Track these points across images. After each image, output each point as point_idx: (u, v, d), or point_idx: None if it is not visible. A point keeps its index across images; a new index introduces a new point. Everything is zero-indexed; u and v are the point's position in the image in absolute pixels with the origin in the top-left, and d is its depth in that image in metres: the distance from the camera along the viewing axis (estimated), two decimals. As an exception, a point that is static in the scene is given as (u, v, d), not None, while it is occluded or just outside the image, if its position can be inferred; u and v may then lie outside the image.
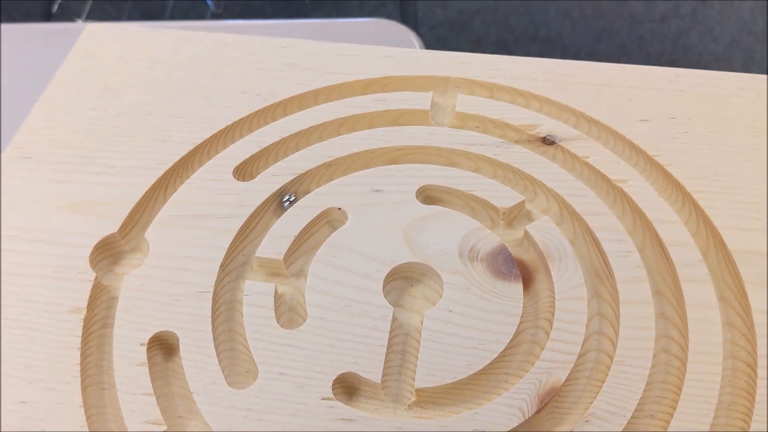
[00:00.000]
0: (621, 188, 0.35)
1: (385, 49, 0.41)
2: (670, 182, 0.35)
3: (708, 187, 0.34)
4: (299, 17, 1.18)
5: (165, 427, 0.28)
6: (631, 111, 0.38)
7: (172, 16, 1.19)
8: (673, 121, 0.37)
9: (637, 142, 0.36)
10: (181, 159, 0.36)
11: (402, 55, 0.41)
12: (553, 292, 0.31)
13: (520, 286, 0.31)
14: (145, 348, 0.30)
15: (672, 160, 0.35)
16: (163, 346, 0.30)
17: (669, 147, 0.36)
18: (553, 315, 0.31)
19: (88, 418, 0.28)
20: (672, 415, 0.28)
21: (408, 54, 0.41)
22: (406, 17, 1.04)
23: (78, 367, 0.29)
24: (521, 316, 0.31)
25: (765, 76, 0.39)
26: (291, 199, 0.33)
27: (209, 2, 1.18)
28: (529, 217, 0.35)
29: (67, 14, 1.16)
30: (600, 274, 0.32)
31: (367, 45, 0.42)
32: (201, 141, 0.37)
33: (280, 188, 0.34)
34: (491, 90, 0.40)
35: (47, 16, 1.15)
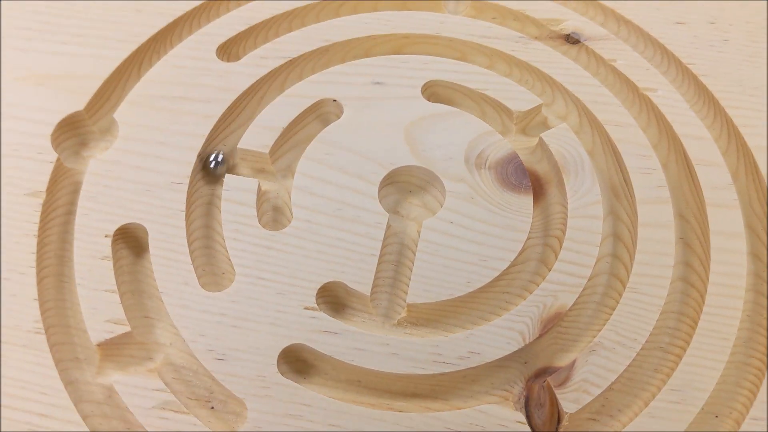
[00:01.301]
0: (648, 97, 0.31)
1: None
2: (704, 94, 0.31)
3: (744, 103, 0.31)
4: None
5: (128, 328, 0.25)
6: (667, 10, 0.34)
7: None
8: (713, 25, 0.33)
9: (671, 47, 0.32)
10: (158, 32, 0.32)
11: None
12: (566, 208, 0.28)
13: (530, 199, 0.28)
14: (110, 240, 0.27)
15: (707, 70, 0.32)
16: (131, 241, 0.27)
17: (705, 55, 0.32)
18: (564, 233, 0.28)
19: (43, 312, 0.26)
20: (685, 350, 0.26)
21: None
22: None
23: (34, 257, 0.26)
24: (529, 232, 0.28)
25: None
26: (219, 160, 0.29)
27: None
28: (545, 124, 0.31)
29: None
30: (618, 191, 0.29)
31: None
32: (182, 13, 0.33)
33: (201, 149, 0.29)
34: (512, -22, 0.35)
35: None
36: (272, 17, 0.33)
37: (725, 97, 0.31)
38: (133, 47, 0.31)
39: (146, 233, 0.27)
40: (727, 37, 0.33)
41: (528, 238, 0.28)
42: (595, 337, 0.26)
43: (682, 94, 0.31)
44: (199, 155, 0.29)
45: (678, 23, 0.33)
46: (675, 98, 0.31)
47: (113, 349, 0.25)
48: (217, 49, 0.32)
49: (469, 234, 0.27)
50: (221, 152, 0.28)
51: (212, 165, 0.28)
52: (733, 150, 0.30)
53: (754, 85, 0.31)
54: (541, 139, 0.30)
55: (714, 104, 0.31)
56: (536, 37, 0.33)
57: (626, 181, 0.29)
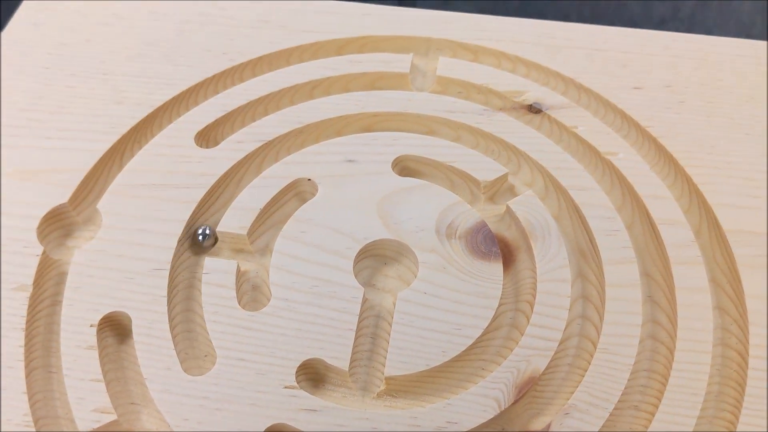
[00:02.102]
0: (610, 161, 0.32)
1: (364, 6, 0.39)
2: (663, 155, 0.33)
3: (703, 162, 0.32)
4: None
5: (115, 416, 0.26)
6: (624, 78, 0.35)
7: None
8: (669, 89, 0.35)
9: (630, 112, 0.34)
10: (138, 123, 0.33)
11: (382, 13, 0.38)
12: (535, 273, 0.29)
13: (500, 266, 0.29)
14: (95, 330, 0.28)
15: (665, 132, 0.33)
16: (116, 328, 0.28)
17: (663, 117, 0.34)
18: (535, 297, 0.29)
19: (32, 404, 0.26)
20: (657, 407, 0.26)
21: (388, 12, 0.38)
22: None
23: (23, 350, 0.27)
24: (500, 299, 0.29)
25: (764, 42, 0.37)
26: (207, 233, 0.30)
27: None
28: (512, 191, 0.32)
29: None
30: (585, 253, 0.30)
31: (346, 1, 0.39)
32: (161, 103, 0.34)
33: (189, 218, 0.30)
34: (476, 53, 0.37)
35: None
36: (248, 102, 0.35)
37: (684, 157, 0.32)
38: (115, 138, 0.33)
39: (130, 320, 0.28)
40: (683, 99, 0.34)
41: (500, 305, 0.29)
42: (568, 399, 0.26)
43: (643, 156, 0.33)
44: (180, 240, 0.30)
45: (635, 88, 0.35)
46: (636, 160, 0.32)
47: (100, 437, 0.26)
48: (196, 136, 0.33)
49: (443, 303, 0.28)
50: (208, 227, 0.29)
51: (200, 238, 0.29)
52: (695, 207, 0.31)
53: (710, 144, 0.33)
54: (508, 207, 0.31)
55: (674, 164, 0.32)
56: (500, 109, 0.35)
57: (593, 243, 0.30)
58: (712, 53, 0.36)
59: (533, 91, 0.35)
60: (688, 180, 0.32)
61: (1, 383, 0.27)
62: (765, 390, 0.26)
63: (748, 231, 0.30)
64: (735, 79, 0.35)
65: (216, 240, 0.30)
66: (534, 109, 0.35)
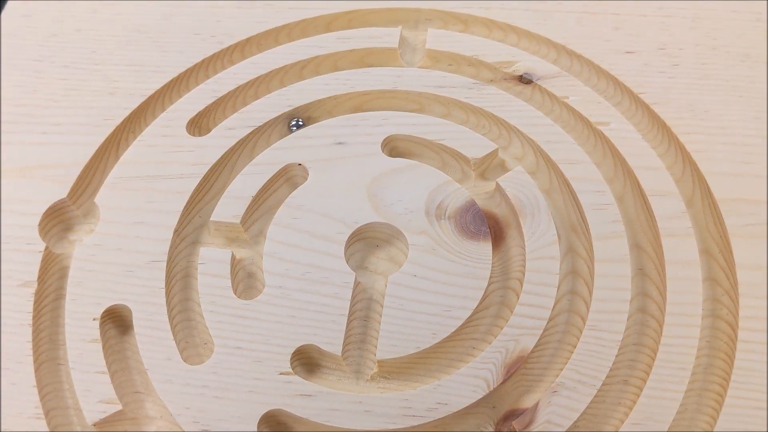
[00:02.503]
0: (602, 132, 0.32)
1: (351, -21, 0.38)
2: (656, 123, 0.32)
3: (696, 128, 0.32)
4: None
5: (120, 406, 0.27)
6: (616, 41, 0.35)
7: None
8: (662, 52, 0.34)
9: (622, 78, 0.34)
10: (131, 113, 0.34)
11: (369, -15, 0.38)
12: (525, 250, 0.30)
13: (489, 246, 0.30)
14: (98, 323, 0.29)
15: (658, 98, 0.33)
16: (117, 320, 0.29)
17: (656, 82, 0.33)
18: (524, 275, 0.29)
19: (42, 396, 0.28)
20: (645, 381, 0.27)
21: (376, -17, 0.38)
22: None
23: (30, 345, 0.28)
24: (490, 278, 0.29)
25: (763, 1, 0.36)
26: (300, 124, 0.31)
27: None
28: (503, 166, 0.32)
29: None
30: (576, 228, 0.30)
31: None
32: (152, 92, 0.34)
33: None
34: (465, 22, 0.36)
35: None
36: (237, 87, 0.35)
37: (677, 124, 0.32)
38: (109, 131, 0.33)
39: (130, 312, 0.29)
40: (677, 62, 0.34)
41: (489, 284, 0.29)
42: (557, 376, 0.27)
43: (635, 125, 0.32)
44: (176, 231, 0.30)
45: (628, 52, 0.34)
46: (628, 130, 0.32)
47: (108, 427, 0.27)
48: (187, 125, 0.33)
49: (433, 285, 0.29)
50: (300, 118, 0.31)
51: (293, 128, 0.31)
52: (688, 176, 0.31)
53: (704, 109, 0.32)
54: (498, 184, 0.31)
55: (667, 132, 0.32)
56: (491, 80, 0.34)
57: (583, 218, 0.30)
58: (707, 11, 0.35)
59: (524, 61, 0.35)
60: (681, 148, 0.32)
61: (2, 379, 0.28)
62: (754, 362, 0.27)
63: (741, 199, 0.30)
64: (730, 39, 0.34)
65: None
66: (525, 80, 0.34)
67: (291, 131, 0.30)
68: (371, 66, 0.36)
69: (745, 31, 0.35)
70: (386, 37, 0.36)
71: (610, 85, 0.34)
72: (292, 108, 0.34)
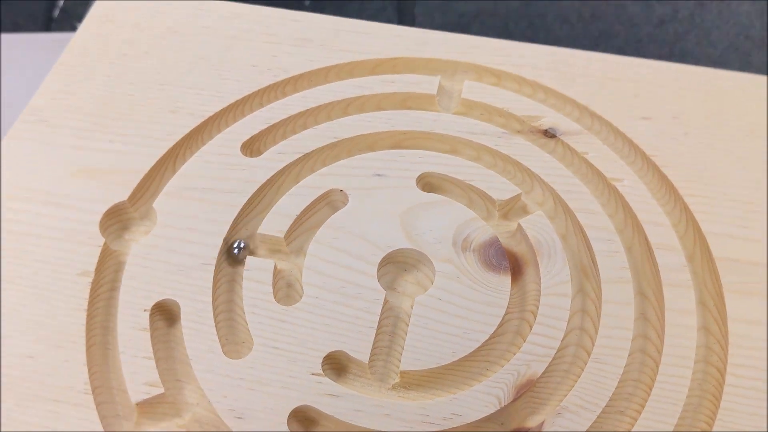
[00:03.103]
0: (615, 187, 0.36)
1: (397, 28, 0.42)
2: (665, 183, 0.36)
3: (701, 191, 0.35)
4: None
5: (162, 390, 0.30)
6: (634, 107, 0.38)
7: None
8: (675, 120, 0.38)
9: (637, 141, 0.37)
10: (190, 131, 0.37)
11: (413, 35, 0.42)
12: (540, 286, 0.33)
13: (508, 279, 0.33)
14: (148, 314, 0.31)
15: (669, 161, 0.36)
16: (166, 313, 0.32)
17: (668, 147, 0.37)
18: (538, 308, 0.32)
19: (90, 375, 0.30)
20: (640, 413, 0.29)
21: (419, 34, 0.42)
22: (404, 21, 1.04)
23: (84, 328, 0.31)
24: (507, 307, 0.32)
25: (765, 77, 0.39)
26: (241, 246, 0.33)
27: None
28: (524, 210, 0.36)
29: (68, 18, 1.15)
30: (587, 271, 0.33)
31: (381, 23, 0.42)
32: (211, 114, 0.38)
33: (226, 234, 0.34)
34: (499, 77, 0.40)
35: (48, 20, 1.13)
36: (289, 116, 0.38)
37: (684, 186, 0.35)
38: (170, 145, 0.37)
39: (179, 307, 0.32)
40: (688, 130, 0.37)
41: (506, 313, 0.32)
42: (562, 400, 0.30)
43: (646, 184, 0.36)
44: (224, 240, 0.34)
45: (644, 118, 0.38)
46: (639, 188, 0.36)
47: (149, 408, 0.30)
48: (241, 146, 0.37)
49: (455, 309, 0.32)
50: (242, 240, 0.33)
51: (235, 251, 0.33)
52: (690, 234, 0.34)
53: (710, 175, 0.36)
54: (519, 225, 0.34)
55: (674, 193, 0.35)
56: (518, 132, 0.38)
57: (593, 262, 0.33)
58: (717, 86, 0.39)
59: (549, 117, 0.38)
60: (686, 208, 0.35)
61: (56, 355, 0.31)
62: (739, 404, 0.29)
63: (737, 259, 0.33)
64: (737, 113, 0.38)
65: (249, 251, 0.33)
66: (549, 134, 0.38)
67: (234, 254, 0.33)
68: (411, 108, 0.39)
69: (750, 109, 0.38)
70: (426, 84, 0.39)
71: (625, 145, 0.37)
72: (336, 140, 0.37)
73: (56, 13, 1.14)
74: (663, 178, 0.36)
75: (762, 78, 0.39)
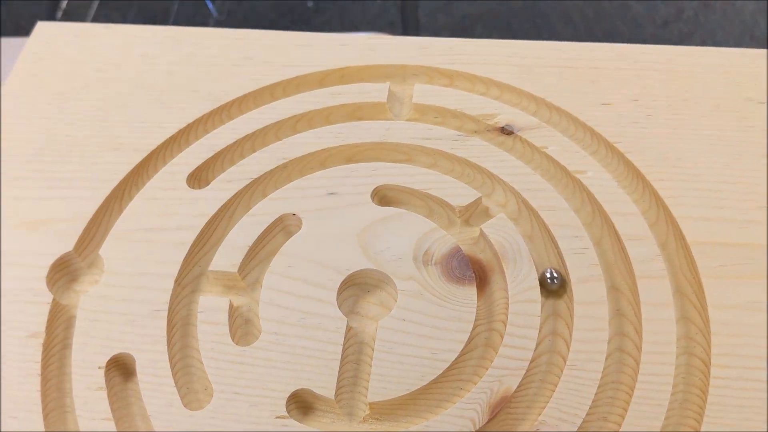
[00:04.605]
0: (579, 180, 0.34)
1: (341, 37, 0.40)
2: (631, 170, 0.34)
3: (668, 175, 0.34)
4: (301, 23, 1.16)
5: (124, 451, 0.28)
6: (593, 94, 0.37)
7: (176, 21, 1.17)
8: (636, 103, 0.36)
9: (598, 129, 0.36)
10: (134, 167, 0.36)
11: (359, 43, 0.40)
12: (508, 293, 0.31)
13: (474, 290, 0.31)
14: (103, 371, 0.30)
15: (632, 147, 0.35)
16: (121, 368, 0.31)
17: (630, 132, 0.35)
18: (507, 318, 0.30)
19: (50, 444, 0.29)
20: (624, 417, 0.28)
21: (365, 41, 0.40)
22: (408, 22, 1.02)
23: (39, 394, 0.30)
24: (475, 321, 0.31)
25: (729, 49, 0.38)
26: (555, 276, 0.31)
27: (210, 6, 1.15)
28: (486, 213, 0.34)
29: (70, 20, 1.13)
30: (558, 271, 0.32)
31: (324, 33, 0.41)
32: (154, 147, 0.36)
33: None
34: (450, 77, 0.39)
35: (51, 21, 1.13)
36: (235, 141, 0.37)
37: (651, 171, 0.34)
38: (113, 185, 0.35)
39: (134, 360, 0.30)
40: (650, 112, 0.36)
41: (474, 326, 0.30)
42: (540, 414, 0.28)
43: (611, 172, 0.34)
44: (176, 280, 0.32)
45: (604, 104, 0.36)
46: (604, 178, 0.34)
47: (112, 470, 0.29)
48: (188, 178, 0.35)
49: (420, 329, 0.30)
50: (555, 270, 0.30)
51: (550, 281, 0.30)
52: (662, 220, 0.33)
53: (676, 157, 0.34)
54: (481, 231, 0.33)
55: (641, 179, 0.34)
56: (475, 132, 0.36)
57: (562, 261, 0.32)
58: (679, 64, 0.37)
59: (505, 114, 0.37)
60: (654, 194, 0.33)
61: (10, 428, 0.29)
62: (726, 397, 0.28)
63: (711, 242, 0.32)
64: (700, 90, 0.36)
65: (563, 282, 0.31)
66: (506, 131, 0.36)
67: (549, 284, 0.30)
68: (362, 119, 0.38)
69: (714, 83, 0.37)
70: (375, 92, 0.38)
71: (587, 135, 0.36)
72: (286, 160, 0.36)
73: (59, 15, 1.13)
74: (628, 165, 0.34)
75: (724, 50, 0.38)
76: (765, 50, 0.38)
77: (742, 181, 0.33)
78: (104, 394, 0.30)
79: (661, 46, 0.39)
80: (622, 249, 0.32)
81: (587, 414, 0.28)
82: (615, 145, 0.35)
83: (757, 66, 0.37)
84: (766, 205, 0.32)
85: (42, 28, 0.42)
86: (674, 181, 0.33)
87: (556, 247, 0.32)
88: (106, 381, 0.30)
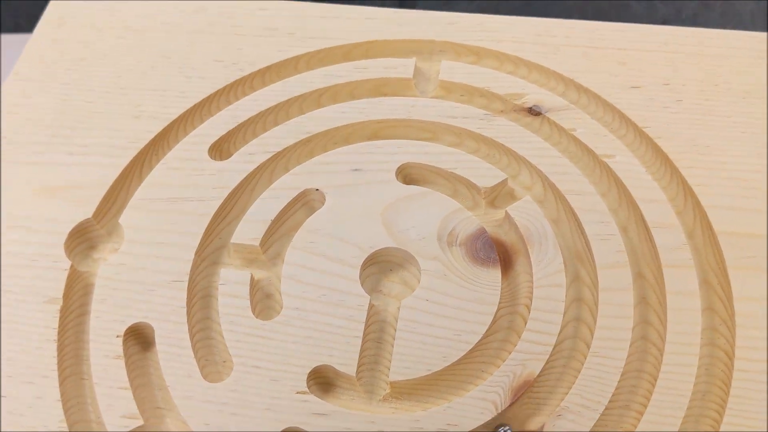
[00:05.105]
0: (607, 164, 0.33)
1: (368, 10, 0.40)
2: (659, 156, 0.34)
3: (698, 163, 0.33)
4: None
5: (141, 421, 0.28)
6: (622, 76, 0.36)
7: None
8: (667, 87, 0.36)
9: (627, 112, 0.35)
10: (155, 136, 0.35)
11: (386, 16, 0.39)
12: (532, 277, 0.31)
13: (498, 273, 0.31)
14: (121, 340, 0.30)
15: (662, 132, 0.34)
16: (140, 338, 0.30)
17: (660, 117, 0.35)
18: (531, 301, 0.30)
19: (66, 410, 0.29)
20: (646, 406, 0.28)
21: (391, 14, 0.39)
22: None
23: (55, 360, 0.30)
24: (499, 303, 0.30)
25: (762, 33, 0.37)
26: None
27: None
28: (512, 195, 0.34)
29: None
30: (582, 257, 0.32)
31: (349, 5, 0.40)
32: (176, 116, 0.36)
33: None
34: (478, 54, 0.38)
35: None
36: (258, 113, 0.36)
37: (680, 158, 0.33)
38: (134, 153, 0.35)
39: (153, 330, 0.30)
40: (681, 97, 0.35)
41: (498, 309, 0.30)
42: (562, 400, 0.28)
43: (639, 158, 0.34)
44: (197, 252, 0.32)
45: (633, 87, 0.36)
46: (632, 163, 0.34)
47: (130, 440, 0.28)
48: (209, 149, 0.35)
49: (444, 310, 0.30)
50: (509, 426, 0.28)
51: None
52: (689, 209, 0.32)
53: (705, 144, 0.34)
54: (507, 213, 0.32)
55: (669, 165, 0.33)
56: (501, 111, 0.36)
57: (588, 247, 0.31)
58: (710, 47, 0.37)
59: (533, 94, 0.36)
60: (683, 181, 0.33)
61: (28, 393, 0.29)
62: (750, 390, 0.28)
63: (739, 233, 0.31)
64: (732, 75, 0.36)
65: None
66: (534, 112, 0.36)
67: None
68: (387, 95, 0.37)
69: (746, 68, 0.36)
70: (401, 67, 0.37)
71: (615, 118, 0.35)
72: (309, 135, 0.35)
73: None
74: (657, 151, 0.34)
75: (758, 35, 0.37)
76: (798, 37, 0.37)
77: (773, 171, 0.33)
78: (122, 362, 0.29)
79: (691, 28, 0.38)
80: (649, 236, 0.32)
81: (609, 401, 0.28)
82: (644, 129, 0.34)
83: (791, 54, 0.36)
84: (796, 196, 0.32)
85: (62, -9, 0.42)
86: (703, 169, 0.33)
87: (582, 232, 0.32)
88: (124, 350, 0.30)
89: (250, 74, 0.37)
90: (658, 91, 0.35)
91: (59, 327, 0.30)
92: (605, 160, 0.34)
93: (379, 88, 0.37)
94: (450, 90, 0.37)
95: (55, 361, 0.30)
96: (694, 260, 0.31)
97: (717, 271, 0.31)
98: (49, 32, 0.40)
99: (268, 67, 0.38)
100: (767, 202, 0.32)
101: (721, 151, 0.33)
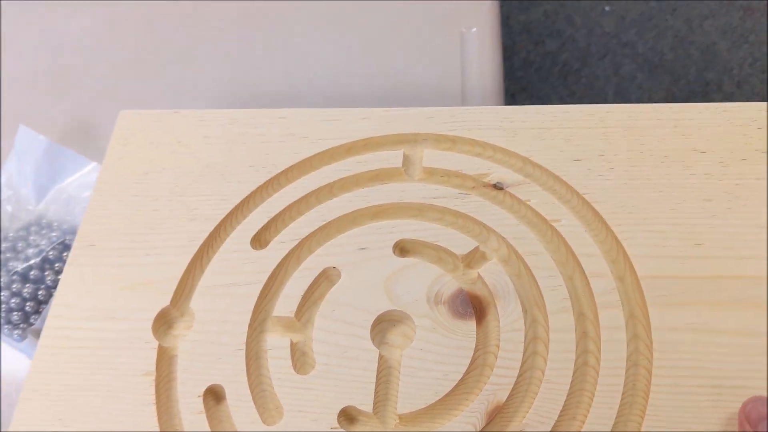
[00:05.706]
0: (555, 228, 0.43)
1: (362, 111, 0.50)
2: (597, 218, 0.43)
3: (625, 221, 0.43)
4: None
5: (222, 457, 0.39)
6: (567, 151, 0.46)
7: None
8: (601, 158, 0.45)
9: (571, 182, 0.44)
10: (208, 235, 0.46)
11: (376, 116, 0.49)
12: (499, 324, 0.41)
13: (473, 323, 0.41)
14: (201, 399, 0.41)
15: (598, 197, 0.44)
16: (214, 395, 0.42)
17: (596, 184, 0.44)
18: (500, 342, 0.40)
19: (167, 453, 0.40)
20: (587, 416, 0.38)
21: (381, 114, 0.49)
22: None
23: (155, 419, 0.41)
24: (475, 347, 0.40)
25: (679, 104, 0.46)
26: None
27: None
28: (484, 257, 0.44)
29: None
30: (537, 304, 0.41)
31: (347, 109, 0.50)
32: (222, 216, 0.47)
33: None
34: (453, 141, 0.48)
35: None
36: (286, 207, 0.47)
37: (612, 218, 0.43)
38: (194, 250, 0.46)
39: (223, 389, 0.41)
40: (613, 165, 0.45)
41: (474, 351, 0.40)
42: (524, 418, 0.38)
43: (580, 219, 0.43)
44: (250, 325, 0.43)
45: (576, 160, 0.45)
46: (575, 224, 0.43)
47: (215, 470, 0.40)
48: (251, 241, 0.46)
49: (434, 357, 0.40)
50: None
51: None
52: (621, 259, 0.42)
53: (633, 204, 0.43)
54: (479, 274, 0.43)
55: (604, 224, 0.43)
56: (473, 188, 0.46)
57: (541, 296, 0.41)
58: (638, 120, 0.46)
59: (497, 172, 0.46)
60: (614, 237, 0.42)
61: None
62: (663, 399, 0.37)
63: (655, 276, 0.41)
64: (654, 143, 0.45)
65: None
66: (498, 187, 0.45)
67: None
68: (383, 182, 0.47)
69: (665, 136, 0.45)
70: (393, 158, 0.47)
71: (562, 187, 0.45)
72: (325, 221, 0.46)
73: None
74: (595, 213, 0.43)
75: (674, 106, 0.46)
76: (702, 104, 0.46)
77: (684, 222, 0.42)
78: (203, 416, 0.41)
79: (621, 105, 0.47)
80: (588, 284, 0.41)
81: (559, 416, 0.38)
82: (584, 196, 0.44)
83: (700, 118, 0.45)
84: (702, 242, 0.41)
85: (124, 115, 0.53)
86: (629, 225, 0.42)
87: (537, 284, 0.42)
88: (204, 405, 0.41)
89: (276, 175, 0.48)
90: (594, 162, 0.45)
91: (156, 393, 0.42)
92: (554, 224, 0.43)
93: (377, 176, 0.48)
94: (432, 173, 0.47)
95: (155, 421, 0.41)
96: (622, 299, 0.41)
97: (641, 306, 0.40)
98: (117, 151, 0.51)
99: (290, 168, 0.48)
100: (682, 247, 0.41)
101: (643, 209, 0.43)
